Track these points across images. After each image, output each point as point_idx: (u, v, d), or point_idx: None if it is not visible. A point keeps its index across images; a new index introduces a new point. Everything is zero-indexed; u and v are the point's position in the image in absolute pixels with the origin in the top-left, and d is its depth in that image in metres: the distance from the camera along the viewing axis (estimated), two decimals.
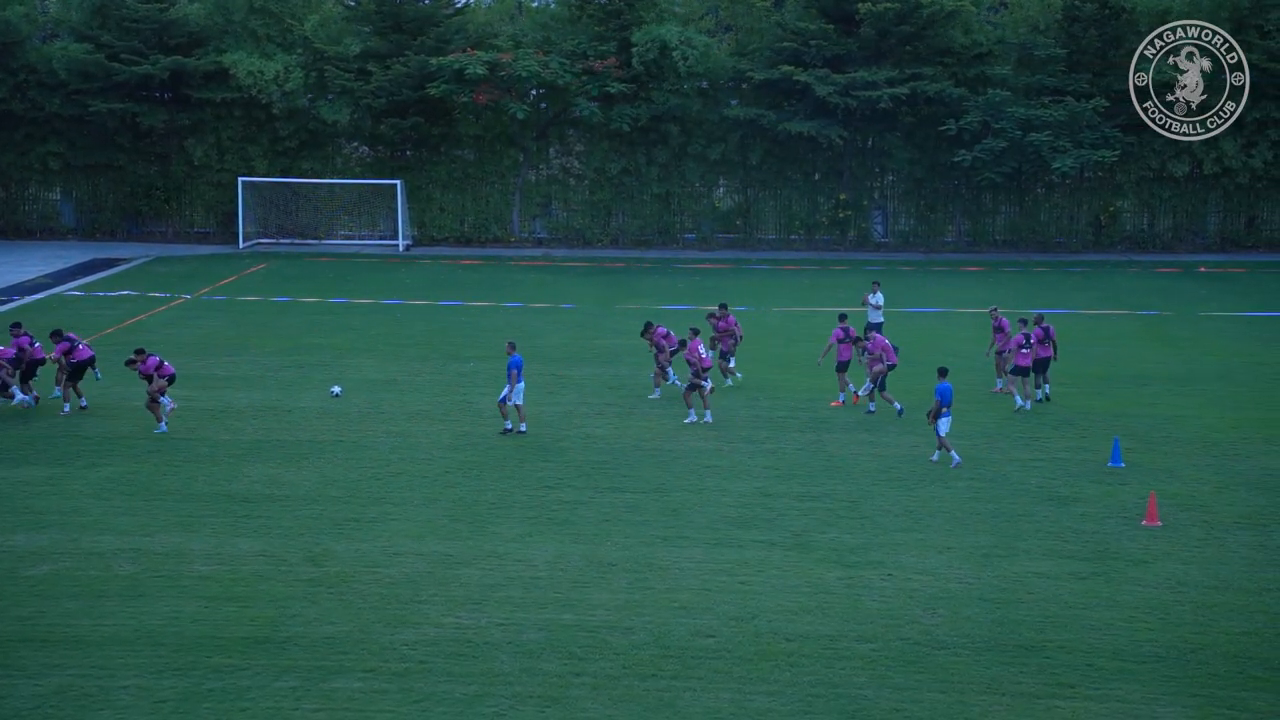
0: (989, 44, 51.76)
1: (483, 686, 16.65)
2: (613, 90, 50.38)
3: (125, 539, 21.19)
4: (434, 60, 50.31)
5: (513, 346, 26.86)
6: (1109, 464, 25.29)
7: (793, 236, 53.54)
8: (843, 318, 30.04)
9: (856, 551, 21.06)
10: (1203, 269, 48.97)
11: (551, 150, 54.24)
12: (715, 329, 30.52)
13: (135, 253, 50.05)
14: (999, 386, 30.16)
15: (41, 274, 45.19)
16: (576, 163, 53.98)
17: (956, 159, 50.32)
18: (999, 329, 30.24)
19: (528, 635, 17.99)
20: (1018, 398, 29.01)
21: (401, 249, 51.63)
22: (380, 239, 52.87)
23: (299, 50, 51.91)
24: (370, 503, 23.08)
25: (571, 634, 18.04)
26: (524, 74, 49.86)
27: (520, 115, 50.93)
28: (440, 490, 23.75)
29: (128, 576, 19.74)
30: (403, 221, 52.06)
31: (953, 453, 25.34)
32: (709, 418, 27.82)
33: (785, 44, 50.86)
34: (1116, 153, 49.89)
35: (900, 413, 27.99)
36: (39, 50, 51.97)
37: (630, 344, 35.44)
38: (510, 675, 16.93)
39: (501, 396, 26.90)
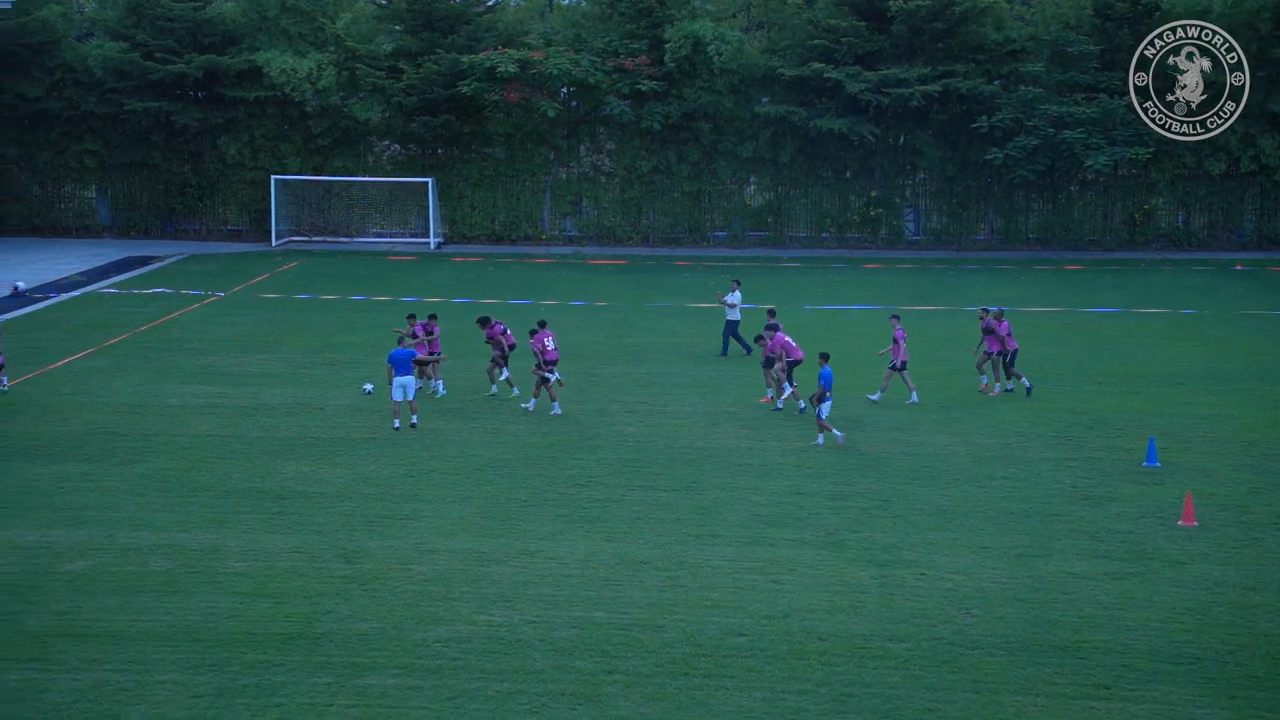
0: (1021, 41, 51.49)
1: (515, 684, 16.68)
2: (643, 88, 50.37)
3: (161, 535, 21.33)
4: (465, 58, 50.42)
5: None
6: (1144, 463, 25.14)
7: (824, 234, 53.43)
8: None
9: (889, 550, 21.00)
10: (1239, 267, 48.62)
11: (582, 148, 54.27)
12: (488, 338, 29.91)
13: (169, 251, 50.34)
14: (994, 388, 30.06)
15: (77, 271, 45.51)
16: (607, 161, 54.01)
17: (989, 157, 50.10)
18: (989, 331, 30.11)
19: (560, 633, 18.01)
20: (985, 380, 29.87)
21: (433, 247, 51.78)
22: (412, 237, 53.01)
23: (331, 49, 52.11)
24: (402, 500, 23.15)
25: (603, 632, 18.05)
26: (555, 72, 49.92)
27: (551, 113, 50.99)
28: (472, 488, 23.81)
29: (164, 572, 19.86)
30: (434, 219, 52.20)
31: (835, 431, 26.09)
32: (556, 409, 28.03)
33: (816, 41, 50.74)
34: (1150, 150, 49.57)
35: (802, 410, 28.01)
36: (75, 49, 52.34)
37: (662, 341, 35.48)
38: (543, 672, 16.96)
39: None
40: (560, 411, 28.08)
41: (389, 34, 53.50)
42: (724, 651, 17.56)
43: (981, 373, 30.41)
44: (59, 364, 32.18)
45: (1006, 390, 30.07)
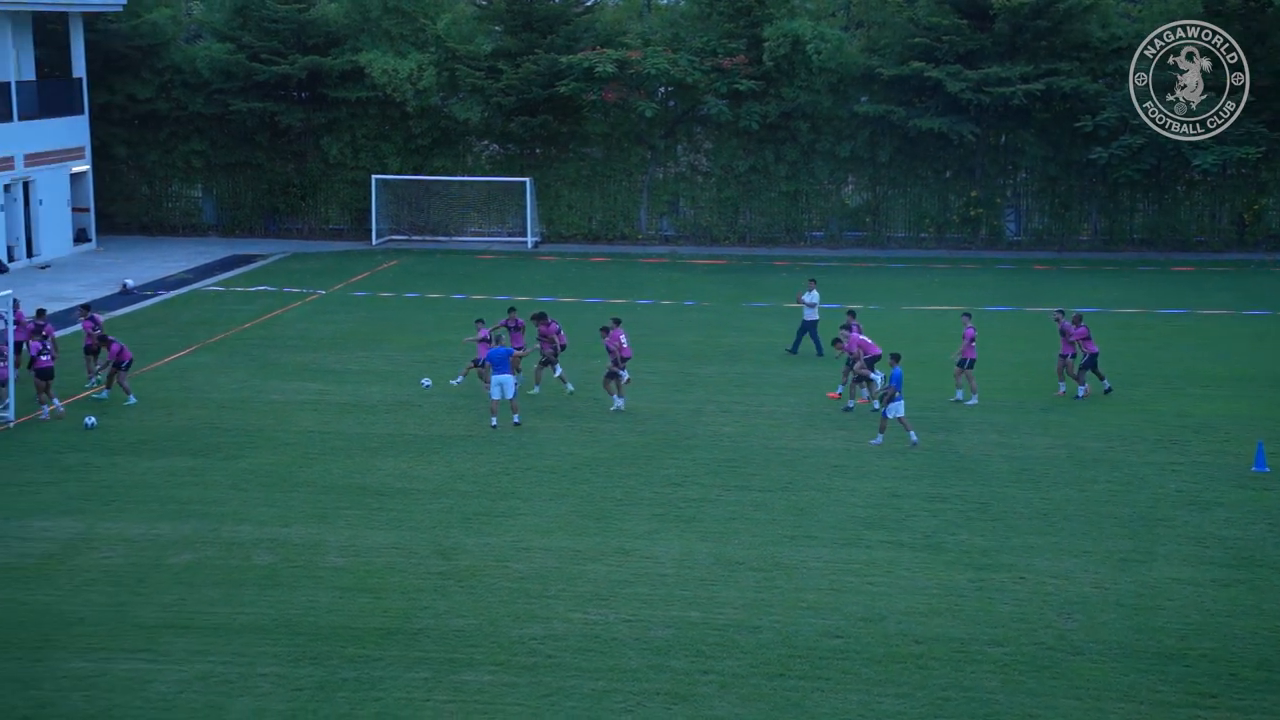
0: (1128, 38, 50.45)
1: (610, 682, 16.71)
2: (741, 88, 50.23)
3: (263, 529, 21.68)
4: (564, 59, 50.64)
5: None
6: (1252, 468, 24.58)
7: (922, 235, 52.87)
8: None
9: (988, 554, 20.75)
10: None
11: (679, 148, 54.22)
12: (539, 333, 29.94)
13: (272, 249, 51.16)
14: (1062, 390, 29.68)
15: (184, 269, 46.42)
16: (704, 160, 53.90)
17: (1092, 156, 49.25)
18: (1065, 333, 29.70)
19: (655, 632, 18.02)
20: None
21: (530, 246, 52.08)
22: (509, 236, 53.36)
23: (432, 49, 52.60)
24: (499, 497, 23.31)
25: (699, 631, 18.04)
26: (653, 72, 49.95)
27: (649, 113, 51.03)
28: (568, 486, 23.90)
29: (266, 566, 20.18)
30: (531, 219, 52.49)
31: (911, 433, 26.02)
32: (621, 404, 28.13)
33: (917, 40, 50.23)
34: (1260, 149, 48.41)
35: (877, 408, 27.61)
36: (184, 51, 53.37)
37: (758, 341, 35.35)
38: (638, 671, 16.98)
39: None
40: (623, 407, 28.19)
41: (489, 34, 53.88)
42: (820, 653, 17.46)
43: (1060, 378, 29.92)
44: (165, 360, 32.85)
45: (1077, 395, 29.46)
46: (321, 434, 26.96)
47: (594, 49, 51.05)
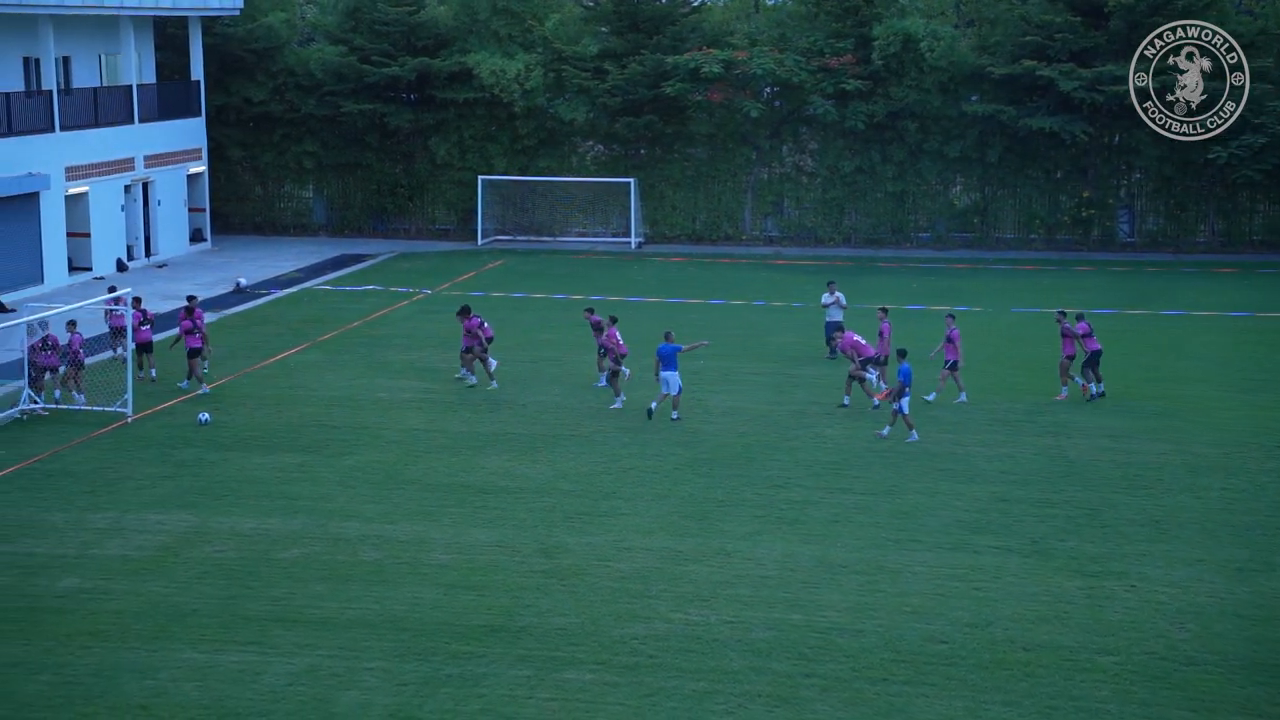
0: (1249, 35, 49.28)
1: (712, 683, 16.67)
2: (848, 87, 49.87)
3: (370, 526, 21.96)
4: (670, 59, 50.67)
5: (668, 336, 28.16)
6: None
7: (1032, 236, 52.05)
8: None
9: (1098, 561, 20.37)
10: None
11: (784, 148, 53.96)
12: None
13: (380, 249, 51.83)
14: (1081, 391, 29.29)
15: (295, 269, 47.21)
16: (809, 160, 53.58)
17: (1211, 156, 48.13)
18: (1065, 334, 29.29)
19: (756, 634, 17.95)
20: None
21: (634, 247, 52.18)
22: (613, 237, 53.51)
23: (539, 50, 52.94)
24: (601, 497, 23.38)
25: (801, 634, 17.93)
26: (759, 72, 49.79)
27: (754, 113, 50.86)
28: (670, 486, 23.90)
29: (372, 562, 20.44)
30: (635, 219, 52.59)
31: (913, 431, 26.20)
32: (620, 403, 28.67)
33: (1029, 38, 49.50)
34: None
35: (877, 406, 27.94)
36: (297, 54, 54.28)
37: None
38: (739, 673, 16.92)
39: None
40: (622, 406, 28.58)
41: (595, 35, 54.09)
42: (924, 658, 17.26)
43: (1063, 381, 29.47)
44: (276, 358, 33.42)
45: (1097, 395, 29.12)
46: (427, 432, 27.24)
47: (700, 49, 51.00)
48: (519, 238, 53.81)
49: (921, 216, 52.69)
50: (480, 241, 53.06)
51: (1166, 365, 32.54)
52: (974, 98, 51.11)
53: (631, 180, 52.41)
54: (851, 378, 28.76)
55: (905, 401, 26.22)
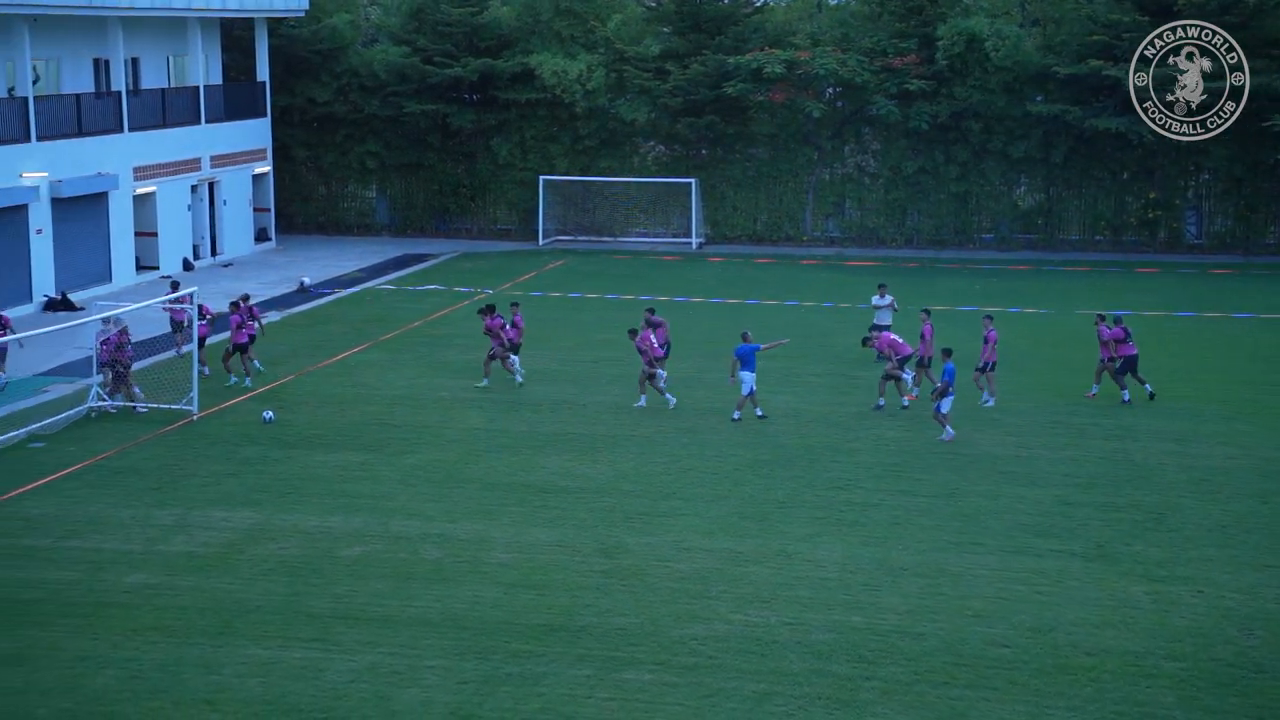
0: None
1: (771, 685, 16.62)
2: (911, 88, 49.58)
3: (431, 524, 22.08)
4: (732, 59, 50.60)
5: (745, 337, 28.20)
6: None
7: (1097, 237, 51.52)
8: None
9: (1164, 565, 20.12)
10: None
11: (846, 148, 53.72)
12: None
13: (442, 249, 52.12)
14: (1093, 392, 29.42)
15: (358, 268, 47.58)
16: (871, 161, 53.32)
17: None
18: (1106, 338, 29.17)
19: (816, 636, 17.88)
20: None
21: (694, 247, 52.14)
22: (673, 237, 53.49)
23: (601, 50, 53.03)
24: (661, 497, 23.37)
25: (861, 636, 17.84)
26: (822, 72, 49.60)
27: (816, 114, 50.68)
28: (730, 487, 23.86)
29: (433, 561, 20.55)
30: (696, 220, 52.55)
31: (948, 428, 26.18)
32: (671, 401, 28.72)
33: (1096, 37, 48.98)
34: None
35: (905, 406, 28.30)
36: (361, 55, 54.73)
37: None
38: (799, 675, 16.86)
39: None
40: (645, 405, 28.73)
41: (657, 36, 54.13)
42: (986, 662, 17.12)
43: (1096, 381, 29.54)
44: (339, 357, 33.69)
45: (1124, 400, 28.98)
46: (487, 431, 27.36)
47: (763, 49, 50.89)
48: (580, 238, 53.92)
49: (985, 218, 52.27)
50: (541, 242, 53.22)
51: (1235, 368, 32.07)
52: (1039, 98, 50.64)
53: (692, 180, 52.38)
54: (887, 377, 28.72)
55: (947, 401, 26.19)
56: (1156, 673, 16.79)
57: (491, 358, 30.68)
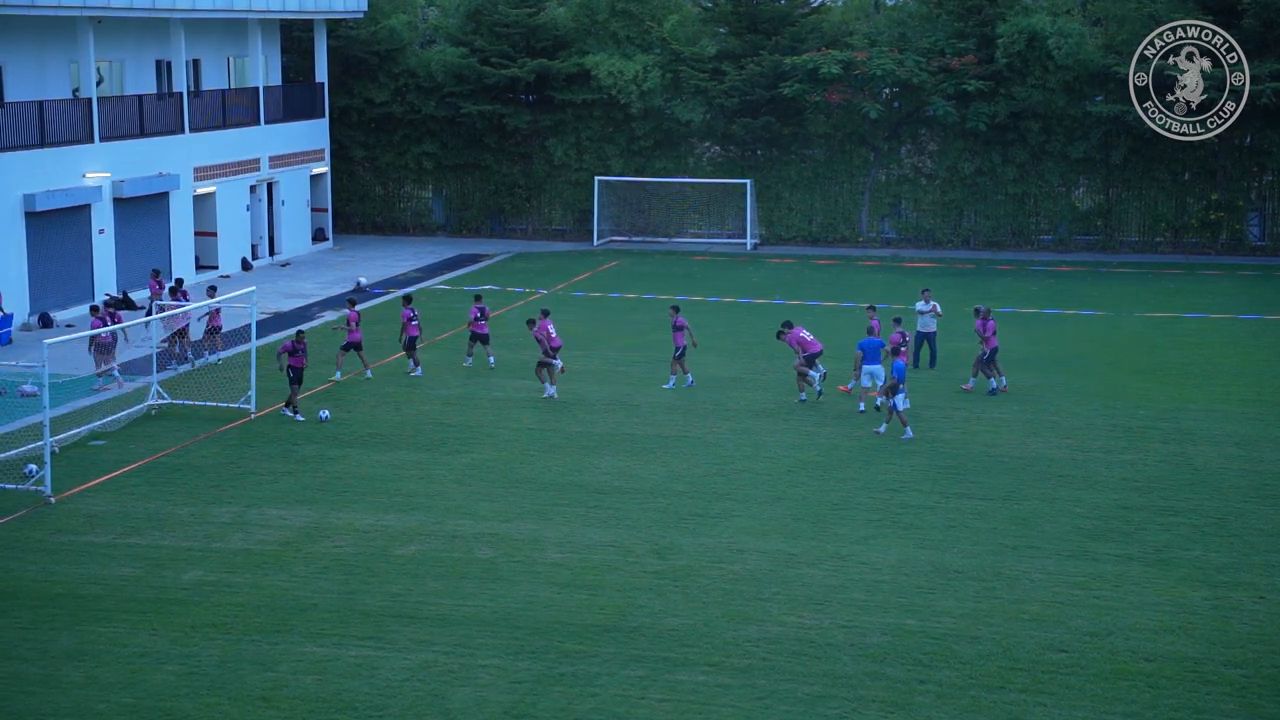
0: None
1: (825, 687, 16.56)
2: (969, 88, 49.23)
3: (485, 524, 22.17)
4: (788, 60, 50.45)
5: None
6: None
7: (1157, 239, 50.95)
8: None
9: (1224, 571, 19.86)
10: None
11: (903, 149, 53.42)
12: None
13: (497, 249, 52.31)
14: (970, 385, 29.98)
15: (414, 268, 47.84)
16: (928, 162, 52.99)
17: None
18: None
19: (871, 639, 17.79)
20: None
21: (749, 248, 52.04)
22: (728, 238, 53.41)
23: (657, 51, 53.04)
24: (714, 498, 23.34)
25: (916, 640, 17.73)
26: (878, 73, 49.34)
27: (873, 114, 50.42)
28: (784, 489, 23.79)
29: (487, 560, 20.63)
30: (751, 220, 52.44)
31: (907, 428, 26.45)
32: (551, 391, 29.57)
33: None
34: None
35: (803, 400, 28.83)
36: (418, 56, 55.07)
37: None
38: (853, 678, 16.78)
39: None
40: (555, 395, 29.32)
41: (713, 36, 54.08)
42: (1042, 667, 16.97)
43: (973, 373, 30.10)
44: (395, 357, 33.87)
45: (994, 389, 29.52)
46: (541, 431, 27.43)
47: (819, 50, 50.71)
48: (634, 238, 53.95)
49: (1043, 219, 51.84)
50: (596, 242, 53.30)
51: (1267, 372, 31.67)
52: (1098, 98, 50.14)
53: (748, 181, 52.27)
54: (799, 374, 29.15)
55: (899, 398, 26.38)
56: (1216, 679, 16.58)
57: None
